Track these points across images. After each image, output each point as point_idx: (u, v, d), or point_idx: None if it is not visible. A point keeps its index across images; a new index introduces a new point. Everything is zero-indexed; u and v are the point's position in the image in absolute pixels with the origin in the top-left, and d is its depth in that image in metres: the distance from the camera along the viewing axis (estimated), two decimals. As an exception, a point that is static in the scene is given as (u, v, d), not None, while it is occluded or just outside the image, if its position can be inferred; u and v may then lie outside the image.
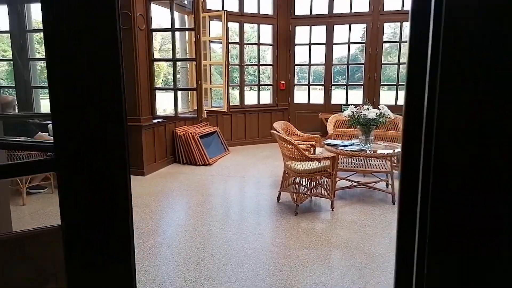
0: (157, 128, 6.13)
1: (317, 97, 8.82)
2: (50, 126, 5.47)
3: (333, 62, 8.47)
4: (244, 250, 3.38)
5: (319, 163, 4.23)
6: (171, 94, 6.14)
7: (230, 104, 7.34)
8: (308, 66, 8.64)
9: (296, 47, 8.47)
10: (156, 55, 25.48)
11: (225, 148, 7.55)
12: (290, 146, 4.17)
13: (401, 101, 8.05)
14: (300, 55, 8.73)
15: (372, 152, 4.70)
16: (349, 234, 3.76)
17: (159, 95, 6.35)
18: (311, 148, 4.90)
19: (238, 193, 5.11)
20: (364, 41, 8.22)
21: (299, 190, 4.31)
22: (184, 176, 5.81)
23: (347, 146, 4.80)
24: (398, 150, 4.62)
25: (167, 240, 3.59)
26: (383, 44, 8.09)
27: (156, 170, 6.08)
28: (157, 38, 29.02)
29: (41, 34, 6.05)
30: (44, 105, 6.53)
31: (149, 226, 3.88)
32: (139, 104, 5.73)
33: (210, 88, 7.38)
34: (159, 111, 6.53)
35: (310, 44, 8.38)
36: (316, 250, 3.40)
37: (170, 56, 5.96)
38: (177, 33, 6.90)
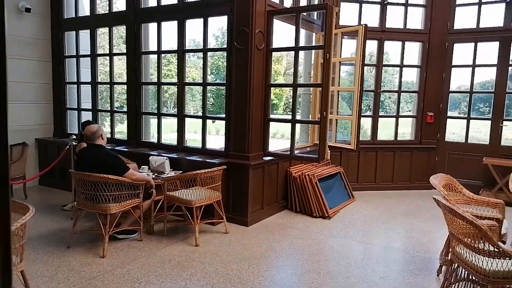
0: (268, 167, 5.01)
1: (479, 134, 6.65)
2: (153, 158, 4.82)
3: (508, 89, 6.23)
4: None
5: (527, 265, 2.45)
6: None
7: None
8: (468, 94, 6.57)
9: (453, 69, 6.52)
10: (280, 80, 25.28)
11: (349, 195, 6.02)
12: (472, 227, 2.51)
13: None
14: (457, 79, 6.75)
15: None
16: None
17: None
18: (498, 224, 3.08)
19: (368, 277, 3.54)
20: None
21: (479, 300, 2.58)
22: (296, 233, 4.50)
23: None
24: None
25: None
26: None
27: (262, 219, 4.93)
28: (282, 62, 28.94)
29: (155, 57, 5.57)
30: (153, 130, 6.07)
31: (239, 325, 2.66)
32: (249, 138, 4.70)
33: (336, 120, 6.01)
34: (271, 136, 5.39)
35: (473, 66, 6.34)
36: None
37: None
38: (301, 55, 5.81)
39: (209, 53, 5.19)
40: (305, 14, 5.66)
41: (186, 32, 5.10)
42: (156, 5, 5.32)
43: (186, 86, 5.29)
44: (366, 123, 6.54)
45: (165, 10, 5.25)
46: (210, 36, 5.58)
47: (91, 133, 3.92)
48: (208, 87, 5.14)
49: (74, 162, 4.72)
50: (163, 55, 5.44)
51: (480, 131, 10.61)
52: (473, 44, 6.28)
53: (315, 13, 6.11)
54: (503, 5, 6.07)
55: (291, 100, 5.06)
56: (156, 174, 4.53)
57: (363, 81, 5.47)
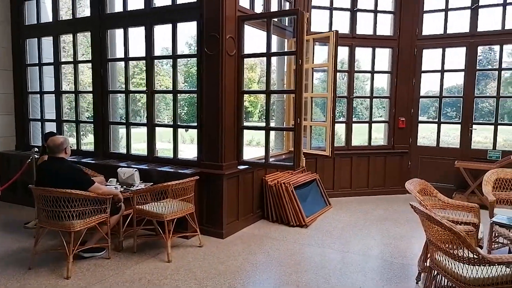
0: (243, 176, 4.87)
1: (448, 138, 6.77)
2: (121, 170, 4.59)
3: (476, 93, 6.37)
4: None
5: (508, 270, 2.42)
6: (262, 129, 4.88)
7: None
8: (438, 99, 6.69)
9: (423, 74, 6.63)
10: (255, 88, 25.24)
11: (326, 201, 5.97)
12: (450, 234, 2.46)
13: None
14: (426, 84, 6.86)
15: None
16: None
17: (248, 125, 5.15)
18: (474, 229, 3.07)
19: (347, 287, 3.46)
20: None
21: (460, 307, 2.52)
22: (273, 244, 4.37)
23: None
24: None
25: None
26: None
27: (238, 230, 4.78)
28: (256, 70, 28.96)
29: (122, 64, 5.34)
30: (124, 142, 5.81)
31: None
32: (223, 147, 4.55)
33: (310, 126, 5.96)
34: (246, 144, 5.25)
35: (442, 71, 6.47)
36: None
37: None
38: (273, 61, 5.75)
39: (183, 61, 5.05)
40: (276, 20, 5.60)
41: (155, 38, 4.93)
42: (122, 10, 5.12)
43: (160, 95, 5.10)
44: (340, 129, 6.54)
45: (131, 16, 5.05)
46: (183, 44, 5.46)
47: (55, 145, 3.66)
48: (181, 95, 4.97)
49: (35, 176, 4.42)
50: (135, 63, 5.25)
51: (449, 135, 10.90)
52: (441, 49, 6.41)
53: (287, 19, 6.07)
54: (468, 11, 6.23)
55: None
56: (124, 187, 4.31)
57: (336, 87, 5.46)
